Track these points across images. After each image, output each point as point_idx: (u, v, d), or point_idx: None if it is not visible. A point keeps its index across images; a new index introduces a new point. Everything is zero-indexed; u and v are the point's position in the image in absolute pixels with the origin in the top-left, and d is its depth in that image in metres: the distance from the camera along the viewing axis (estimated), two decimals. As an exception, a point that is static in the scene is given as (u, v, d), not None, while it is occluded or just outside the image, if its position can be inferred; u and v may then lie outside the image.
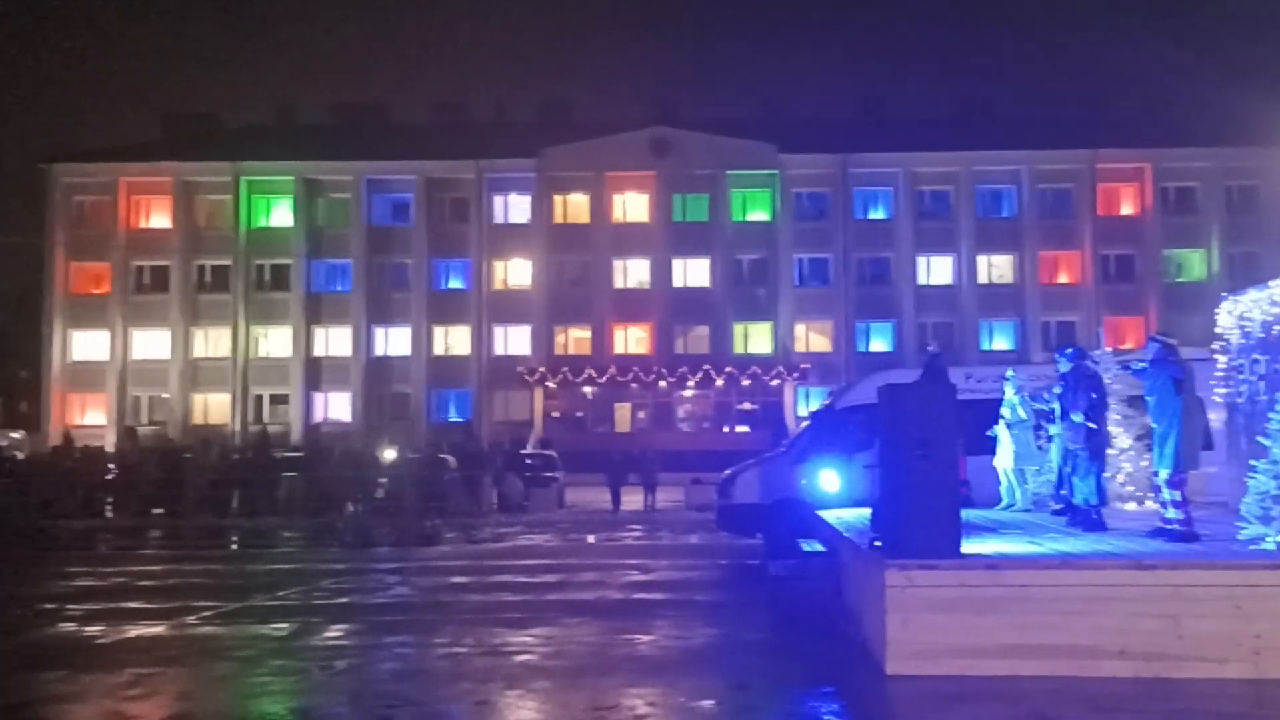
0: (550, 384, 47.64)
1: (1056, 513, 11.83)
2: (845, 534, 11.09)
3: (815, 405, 36.80)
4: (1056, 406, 11.37)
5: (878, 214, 50.04)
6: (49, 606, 13.06)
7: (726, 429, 47.76)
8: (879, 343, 49.15)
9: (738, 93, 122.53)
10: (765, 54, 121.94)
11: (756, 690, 8.26)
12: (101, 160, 48.71)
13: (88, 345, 47.97)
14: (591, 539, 21.23)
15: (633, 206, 49.83)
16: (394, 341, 49.14)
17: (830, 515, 12.99)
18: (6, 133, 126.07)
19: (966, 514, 9.60)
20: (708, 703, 7.78)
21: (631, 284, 49.43)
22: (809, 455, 16.11)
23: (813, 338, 49.64)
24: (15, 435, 39.61)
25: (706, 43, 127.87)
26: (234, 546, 21.36)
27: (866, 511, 10.69)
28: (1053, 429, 11.79)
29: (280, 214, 49.33)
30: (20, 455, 30.35)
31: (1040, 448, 12.91)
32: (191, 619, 11.80)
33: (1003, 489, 13.43)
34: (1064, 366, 11.24)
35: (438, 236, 49.06)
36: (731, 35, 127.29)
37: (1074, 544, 9.53)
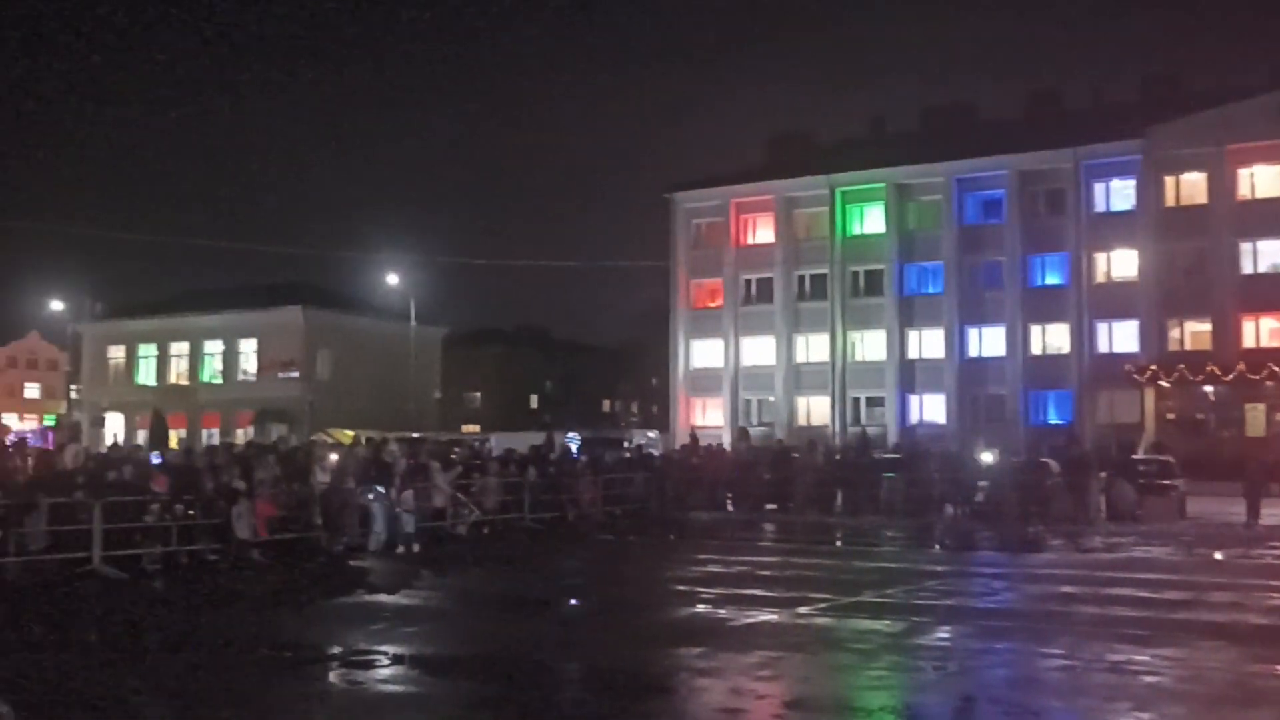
0: (1163, 383, 43.53)
1: None
2: None
3: None
4: None
5: None
6: (683, 589, 14.67)
7: (1393, 433, 40.18)
8: None
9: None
10: None
11: None
12: (714, 185, 53.69)
13: (706, 353, 53.08)
14: (1220, 555, 19.05)
15: (1262, 181, 43.86)
16: (988, 342, 48.10)
17: None
18: (640, 169, 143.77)
19: None
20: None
21: (1262, 268, 43.54)
22: None
23: None
24: (651, 435, 44.92)
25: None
26: (839, 543, 22.29)
27: None
28: None
29: (873, 221, 50.66)
30: (656, 453, 34.26)
31: None
32: (808, 609, 12.55)
33: None
34: None
35: (1032, 231, 47.17)
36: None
37: None
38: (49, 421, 60.69)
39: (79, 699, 8.81)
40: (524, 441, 30.40)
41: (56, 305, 59.22)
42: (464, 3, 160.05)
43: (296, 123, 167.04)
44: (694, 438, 33.51)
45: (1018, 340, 47.00)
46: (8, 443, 18.62)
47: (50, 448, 18.33)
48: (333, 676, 9.51)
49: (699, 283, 53.70)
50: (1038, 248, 47.23)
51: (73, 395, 63.41)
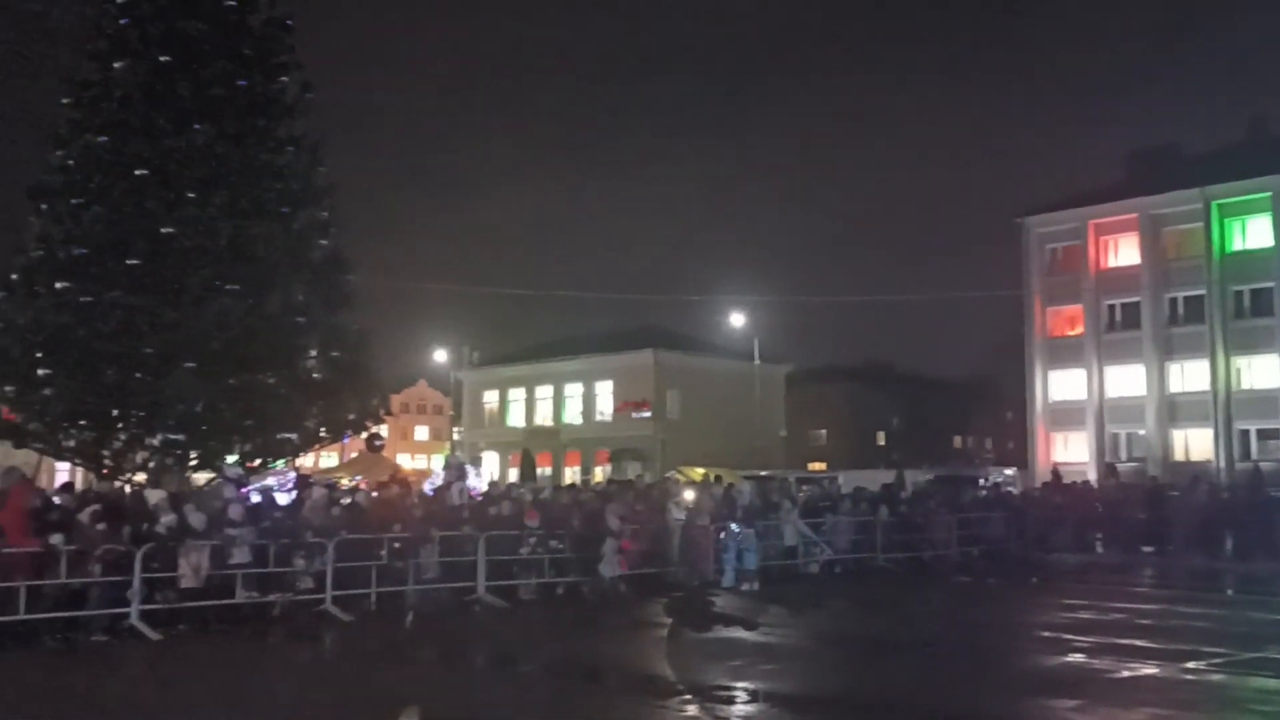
0: None
1: None
2: None
3: None
4: None
5: None
6: (1051, 635, 13.81)
7: None
8: None
9: None
10: None
11: None
12: (1069, 207, 50.61)
13: (1066, 385, 49.88)
14: None
15: None
16: None
17: None
18: (986, 194, 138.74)
19: None
20: None
21: None
22: None
23: None
24: (1008, 472, 42.76)
25: None
26: (1231, 592, 20.16)
27: None
28: None
29: (1257, 234, 45.66)
30: (1014, 490, 32.59)
31: None
32: (1198, 664, 11.43)
33: None
34: None
35: None
36: None
37: None
38: (438, 462, 67.01)
39: (468, 714, 9.64)
40: (873, 479, 29.95)
41: (440, 355, 65.39)
42: (806, 33, 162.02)
43: (651, 178, 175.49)
44: (1056, 474, 31.56)
45: None
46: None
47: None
48: (695, 710, 9.78)
49: (1056, 310, 50.73)
50: None
51: (455, 437, 69.63)
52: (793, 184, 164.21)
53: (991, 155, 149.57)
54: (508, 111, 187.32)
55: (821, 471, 50.23)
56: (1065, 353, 49.90)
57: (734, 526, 19.66)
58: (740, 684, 10.68)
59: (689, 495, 21.14)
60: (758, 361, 54.78)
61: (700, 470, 37.15)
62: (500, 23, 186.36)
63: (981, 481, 34.12)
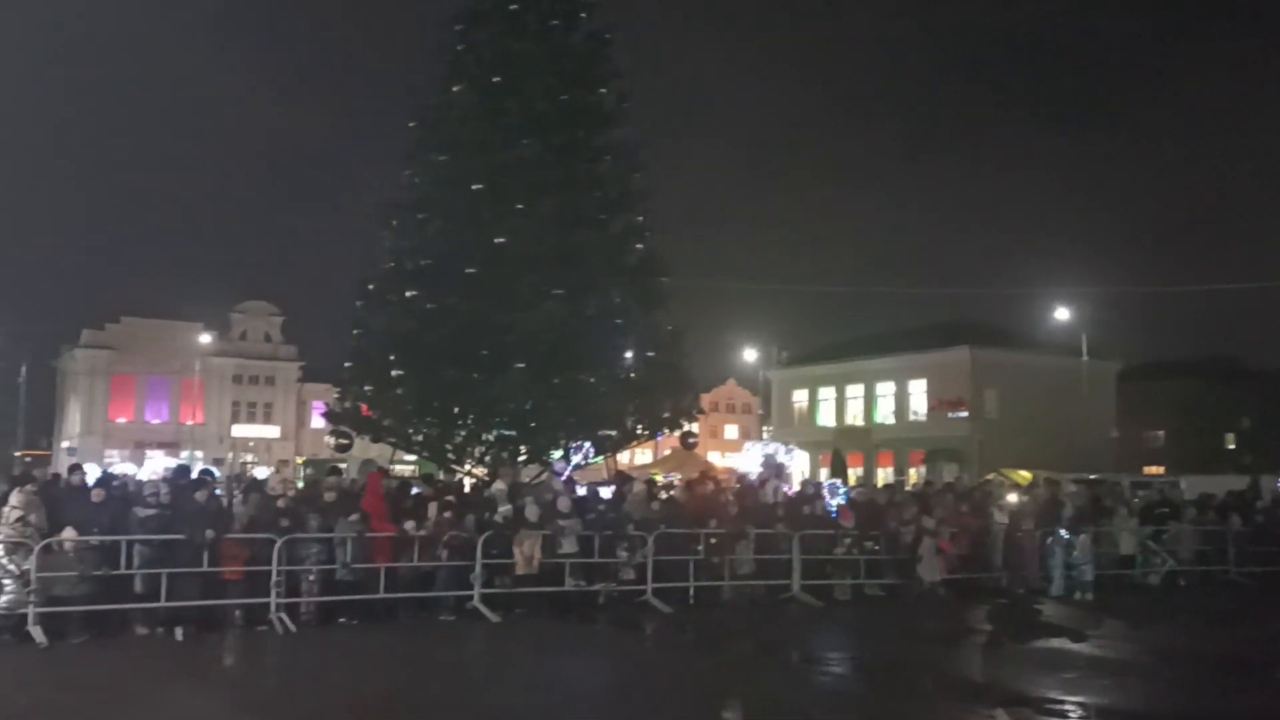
0: None
1: None
2: None
3: None
4: None
5: None
6: None
7: None
8: None
9: None
10: None
11: None
12: None
13: None
14: None
15: None
16: None
17: None
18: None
19: None
20: None
21: None
22: None
23: None
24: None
25: None
26: None
27: None
28: None
29: None
30: None
31: None
32: None
33: None
34: None
35: None
36: None
37: None
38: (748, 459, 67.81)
39: (784, 711, 9.68)
40: (1221, 485, 27.34)
41: (749, 354, 65.99)
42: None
43: (968, 170, 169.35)
44: None
45: None
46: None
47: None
48: (1026, 722, 9.36)
49: None
50: None
51: (764, 435, 70.07)
52: (1127, 173, 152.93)
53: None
54: (823, 108, 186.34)
55: (1159, 475, 46.34)
56: None
57: (1062, 532, 18.59)
58: (1073, 698, 10.09)
59: (1013, 498, 20.16)
60: (1085, 357, 51.38)
61: (1026, 473, 35.35)
62: (817, 21, 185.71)
63: (1357, 491, 30.25)
